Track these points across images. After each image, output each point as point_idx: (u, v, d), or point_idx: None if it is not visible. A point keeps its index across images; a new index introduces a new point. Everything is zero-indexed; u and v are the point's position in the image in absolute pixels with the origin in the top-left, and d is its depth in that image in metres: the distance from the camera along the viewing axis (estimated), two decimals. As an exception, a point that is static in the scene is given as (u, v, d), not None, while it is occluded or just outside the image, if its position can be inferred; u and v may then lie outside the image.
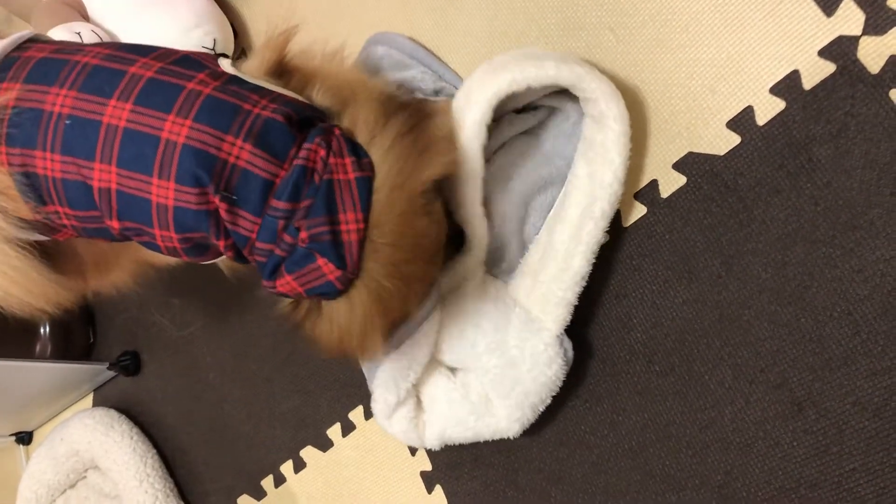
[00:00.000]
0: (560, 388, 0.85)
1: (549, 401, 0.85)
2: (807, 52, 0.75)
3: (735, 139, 0.79)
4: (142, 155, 0.67)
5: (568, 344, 0.85)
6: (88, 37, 1.12)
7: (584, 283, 0.82)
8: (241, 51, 1.27)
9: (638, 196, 0.85)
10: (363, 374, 0.99)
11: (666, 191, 0.84)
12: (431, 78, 0.95)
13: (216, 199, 0.67)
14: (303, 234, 0.68)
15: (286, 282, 0.71)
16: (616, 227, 0.87)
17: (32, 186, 0.71)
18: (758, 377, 0.78)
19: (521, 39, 0.94)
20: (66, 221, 0.73)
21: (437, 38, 1.02)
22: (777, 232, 0.77)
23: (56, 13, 1.15)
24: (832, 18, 0.74)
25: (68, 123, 0.68)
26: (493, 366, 0.85)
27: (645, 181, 0.85)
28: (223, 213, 0.68)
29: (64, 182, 0.70)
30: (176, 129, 0.67)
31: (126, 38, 1.17)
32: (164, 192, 0.67)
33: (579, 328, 0.89)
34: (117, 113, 0.68)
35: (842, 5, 0.73)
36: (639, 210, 0.85)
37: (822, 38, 0.74)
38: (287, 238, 0.69)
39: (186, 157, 0.66)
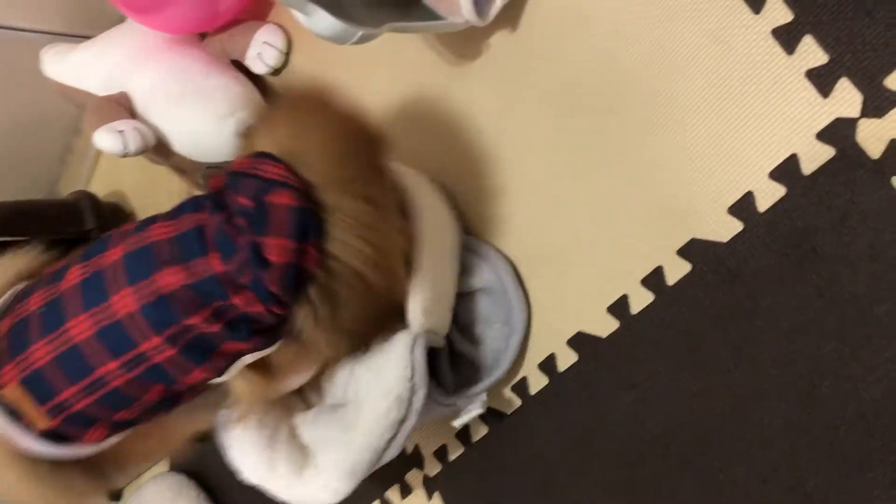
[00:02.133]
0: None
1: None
2: (805, 136, 0.71)
3: (737, 225, 0.75)
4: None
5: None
6: (131, 134, 1.19)
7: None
8: (278, 130, 1.31)
9: (645, 282, 0.83)
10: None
11: (672, 278, 0.81)
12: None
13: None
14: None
15: None
16: (625, 314, 0.84)
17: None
18: (771, 477, 0.74)
19: (525, 116, 0.92)
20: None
21: (445, 111, 1.02)
22: (785, 324, 0.73)
23: (104, 113, 1.23)
24: (829, 100, 0.69)
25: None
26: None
27: (650, 267, 0.82)
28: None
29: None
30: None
31: (168, 128, 1.24)
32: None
33: (591, 417, 0.87)
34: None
35: (838, 86, 0.69)
36: (646, 297, 0.83)
37: (820, 121, 0.70)
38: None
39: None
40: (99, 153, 1.91)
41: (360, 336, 0.82)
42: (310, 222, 0.73)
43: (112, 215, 1.68)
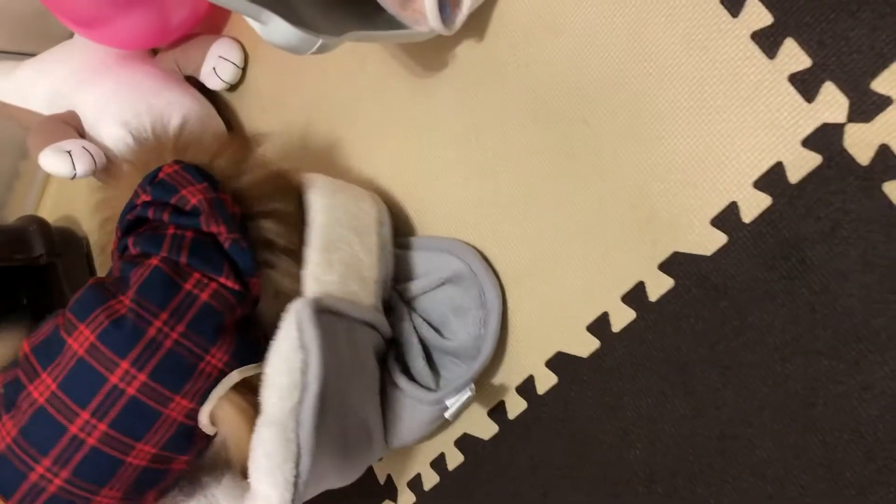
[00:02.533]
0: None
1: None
2: (790, 143, 0.68)
3: (721, 238, 0.72)
4: None
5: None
6: (79, 154, 1.12)
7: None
8: (236, 148, 1.26)
9: (625, 299, 0.79)
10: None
11: (654, 294, 0.77)
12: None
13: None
14: None
15: None
16: (606, 333, 0.80)
17: None
18: (766, 504, 0.70)
19: (495, 128, 0.88)
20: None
21: (413, 123, 0.98)
22: (774, 341, 0.69)
23: (49, 132, 1.16)
24: (814, 104, 0.66)
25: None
26: None
27: (631, 283, 0.78)
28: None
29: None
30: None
31: (119, 147, 1.17)
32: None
33: (575, 440, 0.83)
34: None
35: (822, 90, 0.65)
36: (627, 314, 0.79)
37: (805, 127, 0.67)
38: None
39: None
40: (48, 176, 1.83)
41: None
42: (198, 168, 0.80)
43: (63, 241, 1.60)
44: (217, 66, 1.22)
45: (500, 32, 0.88)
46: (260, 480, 0.71)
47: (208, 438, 0.74)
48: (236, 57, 1.22)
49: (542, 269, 0.85)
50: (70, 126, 1.19)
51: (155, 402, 0.68)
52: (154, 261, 0.74)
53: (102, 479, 0.67)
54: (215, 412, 0.72)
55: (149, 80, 1.22)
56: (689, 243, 0.74)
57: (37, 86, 1.28)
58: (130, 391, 0.67)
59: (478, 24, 0.89)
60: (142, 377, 0.67)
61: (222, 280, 0.75)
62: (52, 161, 1.10)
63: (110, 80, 1.22)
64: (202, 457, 0.77)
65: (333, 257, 0.82)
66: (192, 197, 0.76)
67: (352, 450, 0.79)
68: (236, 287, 0.75)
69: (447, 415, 0.82)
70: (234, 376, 0.72)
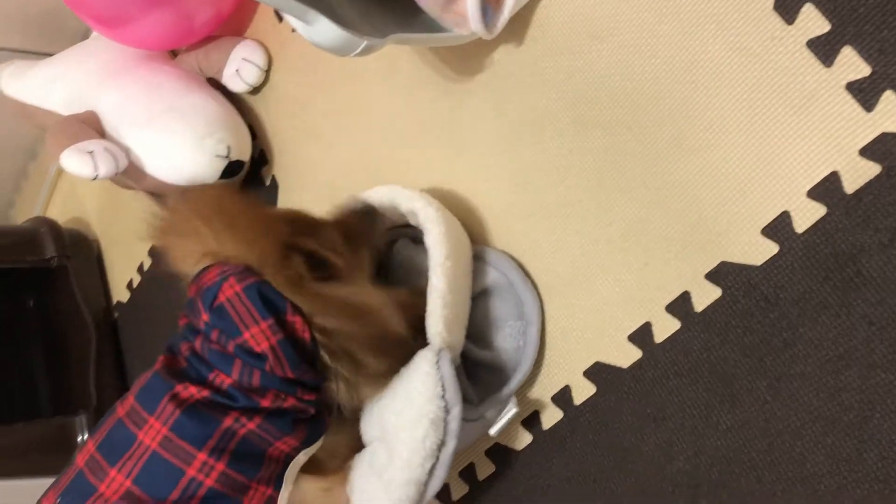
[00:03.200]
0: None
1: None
2: (846, 152, 0.67)
3: (772, 248, 0.71)
4: None
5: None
6: (101, 155, 1.10)
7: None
8: (259, 151, 1.25)
9: (670, 309, 0.77)
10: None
11: (700, 304, 0.76)
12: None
13: None
14: None
15: None
16: (648, 343, 0.79)
17: None
18: (818, 519, 0.69)
19: (533, 138, 0.87)
20: None
21: (448, 129, 0.97)
22: (827, 353, 0.68)
23: (70, 132, 1.14)
24: (873, 113, 0.65)
25: None
26: None
27: (676, 293, 0.77)
28: None
29: None
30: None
31: (141, 150, 1.16)
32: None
33: (614, 452, 0.82)
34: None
35: (883, 99, 0.65)
36: (672, 324, 0.78)
37: (864, 136, 0.66)
38: None
39: None
40: (57, 177, 1.82)
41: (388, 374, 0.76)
42: (266, 292, 0.69)
43: (73, 243, 1.59)
44: (240, 69, 1.21)
45: (539, 37, 0.87)
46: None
47: None
48: (260, 59, 1.21)
49: (581, 279, 0.84)
50: (90, 126, 1.17)
51: (233, 491, 0.67)
52: (225, 381, 0.69)
53: None
54: (293, 496, 0.71)
55: (171, 81, 1.20)
56: (738, 253, 0.73)
57: (55, 86, 1.27)
58: (209, 482, 0.66)
59: (517, 28, 0.88)
60: (220, 467, 0.66)
61: (299, 396, 0.71)
62: (75, 161, 1.09)
63: (131, 80, 1.20)
64: None
65: (458, 305, 0.80)
66: (257, 345, 0.68)
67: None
68: (312, 398, 0.73)
69: (492, 432, 0.81)
70: (301, 458, 0.72)
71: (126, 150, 1.15)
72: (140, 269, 1.55)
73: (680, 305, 0.77)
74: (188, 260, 0.75)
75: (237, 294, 0.69)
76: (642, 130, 0.79)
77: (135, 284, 1.57)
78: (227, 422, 0.67)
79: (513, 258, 0.89)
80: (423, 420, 0.71)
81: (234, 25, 1.26)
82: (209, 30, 1.23)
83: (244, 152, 1.18)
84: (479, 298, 0.89)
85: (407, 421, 0.72)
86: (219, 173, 1.14)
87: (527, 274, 0.88)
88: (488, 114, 0.92)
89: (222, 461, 0.66)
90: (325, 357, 0.71)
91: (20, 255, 1.54)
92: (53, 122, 1.22)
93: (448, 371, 0.73)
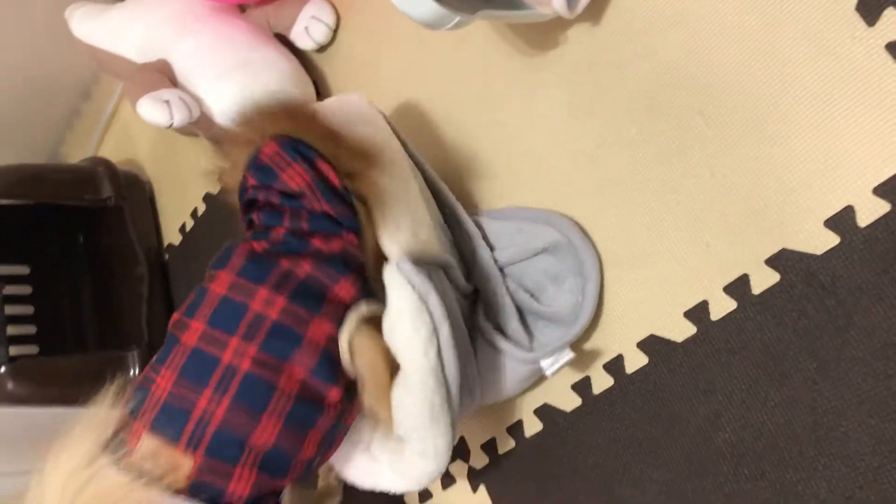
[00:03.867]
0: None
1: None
2: (916, 153, 0.70)
3: (833, 239, 0.75)
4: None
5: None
6: (177, 104, 1.15)
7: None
8: (322, 108, 1.28)
9: (728, 290, 0.82)
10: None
11: (758, 287, 0.80)
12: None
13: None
14: None
15: None
16: (704, 320, 0.84)
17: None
18: (856, 494, 0.74)
19: (604, 117, 0.91)
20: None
21: (519, 112, 1.00)
22: (880, 341, 0.72)
23: (146, 80, 1.19)
24: (945, 119, 0.68)
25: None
26: None
27: (735, 275, 0.81)
28: None
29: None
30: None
31: (212, 101, 1.20)
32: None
33: (661, 420, 0.87)
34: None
35: (956, 105, 0.68)
36: (728, 304, 0.82)
37: (934, 139, 0.69)
38: None
39: None
40: (111, 118, 1.86)
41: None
42: (298, 145, 0.81)
43: (127, 184, 1.64)
44: (309, 27, 1.24)
45: (615, 19, 0.90)
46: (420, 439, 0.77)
47: (352, 381, 0.79)
48: (329, 18, 1.24)
49: (640, 255, 0.88)
50: (164, 75, 1.21)
51: (296, 325, 0.73)
52: (280, 231, 0.79)
53: (260, 404, 0.71)
54: (353, 341, 0.77)
55: (243, 35, 1.24)
56: (799, 241, 0.77)
57: (129, 32, 1.30)
58: (273, 315, 0.73)
59: (593, 8, 0.90)
60: (281, 301, 0.73)
61: (344, 237, 0.79)
62: (151, 109, 1.13)
63: (205, 32, 1.24)
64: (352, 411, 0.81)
65: (397, 212, 0.87)
66: (292, 181, 0.79)
67: (463, 399, 0.83)
68: (355, 241, 0.80)
69: (548, 371, 0.86)
70: (364, 307, 0.78)
71: (198, 100, 1.19)
72: (194, 213, 1.60)
73: (738, 287, 0.81)
74: (243, 150, 0.84)
75: (275, 151, 0.80)
76: (713, 116, 0.82)
77: (187, 228, 1.62)
78: (285, 264, 0.76)
79: (573, 220, 0.93)
80: (404, 316, 0.77)
81: (303, -17, 1.29)
82: (280, -14, 1.26)
83: (311, 110, 1.21)
84: (540, 256, 0.93)
85: (392, 325, 0.79)
86: (286, 129, 1.18)
87: (587, 236, 0.92)
88: (560, 89, 0.95)
89: (283, 295, 0.73)
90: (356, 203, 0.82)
91: (78, 193, 1.59)
92: (127, 68, 1.26)
93: (408, 268, 0.79)
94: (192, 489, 0.69)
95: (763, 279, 0.80)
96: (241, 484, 0.71)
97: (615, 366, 0.91)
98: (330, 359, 0.75)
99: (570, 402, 0.95)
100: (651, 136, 0.87)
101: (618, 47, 0.90)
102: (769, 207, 0.79)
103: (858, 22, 0.73)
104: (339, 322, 0.77)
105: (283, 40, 1.30)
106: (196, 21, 1.26)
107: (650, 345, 0.88)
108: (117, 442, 0.70)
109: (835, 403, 0.75)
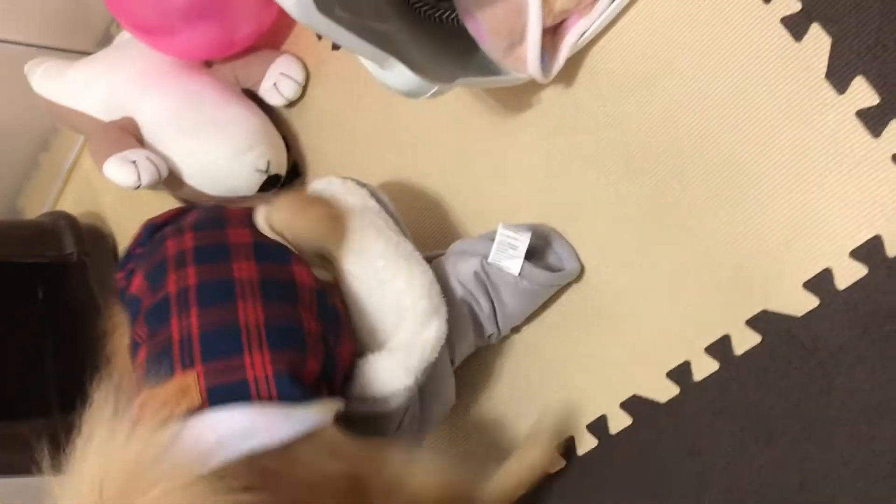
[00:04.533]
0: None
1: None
2: (891, 218, 0.72)
3: (813, 301, 0.76)
4: None
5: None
6: (144, 164, 1.13)
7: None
8: (292, 164, 1.27)
9: (709, 350, 0.82)
10: None
11: (739, 348, 0.80)
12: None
13: None
14: None
15: None
16: (687, 381, 0.84)
17: None
18: (845, 556, 0.74)
19: (579, 176, 0.92)
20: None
21: (493, 171, 1.00)
22: (863, 403, 0.73)
23: (112, 140, 1.16)
24: (917, 185, 0.70)
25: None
26: None
27: (716, 335, 0.82)
28: None
29: None
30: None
31: (180, 160, 1.18)
32: None
33: (647, 481, 0.87)
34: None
35: (927, 172, 0.69)
36: (710, 365, 0.83)
37: (907, 205, 0.71)
38: None
39: None
40: (72, 170, 1.82)
41: None
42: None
43: (91, 239, 1.60)
44: (278, 83, 1.23)
45: (589, 82, 0.91)
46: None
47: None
48: (298, 74, 1.23)
49: (621, 315, 0.89)
50: (130, 134, 1.19)
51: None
52: None
53: (226, 295, 0.74)
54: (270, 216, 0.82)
55: (210, 92, 1.22)
56: (780, 303, 0.78)
57: (92, 89, 1.28)
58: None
59: (567, 71, 0.91)
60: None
61: None
62: (118, 171, 1.11)
63: (172, 89, 1.22)
64: None
65: None
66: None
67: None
68: None
69: (501, 233, 0.87)
70: None
71: (165, 159, 1.17)
72: (159, 268, 1.56)
73: (719, 348, 0.82)
74: None
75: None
76: (689, 179, 0.83)
77: (153, 283, 1.59)
78: None
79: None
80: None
81: (272, 39, 1.29)
82: (248, 43, 1.25)
83: (282, 166, 1.20)
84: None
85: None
86: (257, 187, 1.17)
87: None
88: (536, 150, 0.96)
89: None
90: None
91: (39, 250, 1.54)
92: (93, 127, 1.24)
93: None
94: (211, 399, 0.66)
95: (745, 340, 0.80)
96: (258, 369, 0.69)
97: (599, 426, 0.91)
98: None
99: (556, 464, 0.95)
100: (628, 198, 0.88)
101: (592, 111, 0.90)
102: (748, 269, 0.80)
103: (829, 90, 0.75)
104: None
105: (252, 96, 1.29)
106: (162, 78, 1.24)
107: (634, 405, 0.88)
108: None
109: (821, 465, 0.76)
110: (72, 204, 1.83)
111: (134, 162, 1.12)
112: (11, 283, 1.61)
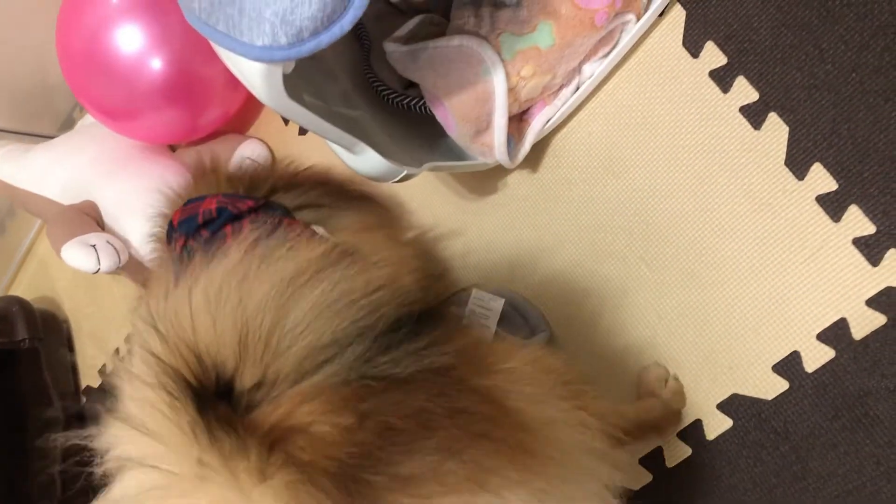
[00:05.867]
0: None
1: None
2: (854, 301, 0.73)
3: (783, 384, 0.76)
4: None
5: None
6: (104, 248, 1.10)
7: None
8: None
9: (682, 436, 0.81)
10: None
11: (711, 433, 0.80)
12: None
13: None
14: None
15: None
16: (659, 466, 0.82)
17: None
18: None
19: (548, 258, 0.92)
20: None
21: (462, 248, 1.00)
22: (836, 489, 0.73)
23: (71, 223, 1.14)
24: (878, 268, 0.71)
25: None
26: None
27: (687, 420, 0.81)
28: None
29: None
30: None
31: (141, 244, 1.16)
32: None
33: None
34: None
35: (887, 255, 0.71)
36: (683, 450, 0.81)
37: (870, 288, 0.72)
38: None
39: None
40: (27, 254, 1.78)
41: None
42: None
43: (44, 324, 1.55)
44: (244, 167, 1.22)
45: (554, 166, 0.92)
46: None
47: None
48: (264, 158, 1.23)
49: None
50: (90, 217, 1.17)
51: None
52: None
53: None
54: None
55: (174, 176, 1.21)
56: (750, 387, 0.78)
57: (53, 173, 1.26)
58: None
59: (532, 155, 0.93)
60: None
61: None
62: (77, 255, 1.08)
63: (133, 173, 1.21)
64: None
65: None
66: (210, 206, 0.80)
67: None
68: None
69: None
70: None
71: (126, 243, 1.15)
72: (117, 353, 1.52)
73: (691, 433, 0.81)
74: None
75: (179, 211, 0.84)
76: (655, 263, 0.84)
77: (108, 370, 1.54)
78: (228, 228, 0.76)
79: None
80: None
81: (236, 124, 1.29)
82: (213, 128, 1.25)
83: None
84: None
85: None
86: (220, 270, 1.15)
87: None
88: (503, 233, 0.96)
89: None
90: None
91: (-10, 336, 1.49)
92: (50, 209, 1.22)
93: None
94: None
95: (716, 424, 0.80)
96: None
97: None
98: None
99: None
100: (596, 277, 0.88)
101: (557, 194, 0.92)
102: (717, 352, 0.80)
103: (789, 176, 0.77)
104: None
105: (216, 179, 1.28)
106: (126, 161, 1.23)
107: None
108: None
109: (798, 553, 0.74)
110: (26, 288, 1.79)
111: (93, 245, 1.10)
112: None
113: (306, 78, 0.80)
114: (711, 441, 0.80)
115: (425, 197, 1.04)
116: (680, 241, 0.82)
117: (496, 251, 0.97)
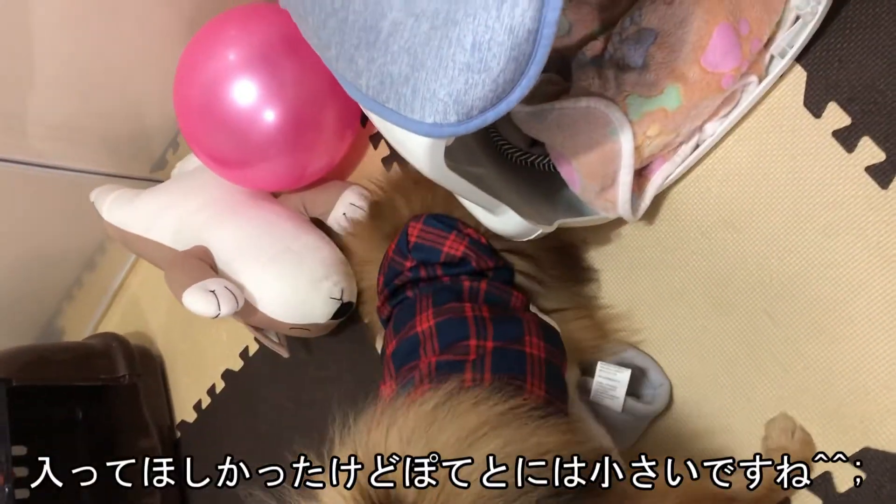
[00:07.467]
0: None
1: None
2: None
3: (918, 440, 0.77)
4: None
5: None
6: (223, 294, 1.15)
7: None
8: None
9: (811, 488, 0.83)
10: None
11: (842, 485, 0.81)
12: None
13: None
14: None
15: None
16: (788, 518, 0.84)
17: None
18: None
19: (666, 311, 0.94)
20: None
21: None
22: (978, 545, 0.74)
23: (189, 269, 1.19)
24: None
25: None
26: None
27: (816, 472, 0.83)
28: None
29: None
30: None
31: (255, 289, 1.20)
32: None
33: None
34: None
35: None
36: (812, 501, 0.83)
37: None
38: None
39: None
40: (119, 290, 1.84)
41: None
42: (439, 216, 0.92)
43: (141, 360, 1.60)
44: (348, 212, 1.27)
45: (671, 219, 0.95)
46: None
47: None
48: (366, 205, 1.27)
49: (716, 448, 0.90)
50: (206, 263, 1.22)
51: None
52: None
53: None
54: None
55: (283, 221, 1.26)
56: (883, 440, 0.79)
57: (163, 217, 1.32)
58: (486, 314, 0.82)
59: (651, 211, 0.95)
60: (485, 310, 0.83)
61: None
62: (198, 300, 1.13)
63: (246, 218, 1.26)
64: None
65: None
66: (456, 250, 0.88)
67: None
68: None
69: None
70: None
71: (241, 287, 1.19)
72: (211, 390, 1.56)
73: (821, 485, 0.82)
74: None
75: (421, 228, 0.90)
76: (780, 317, 0.86)
77: (204, 405, 1.58)
78: (466, 284, 0.86)
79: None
80: None
81: (338, 171, 1.34)
82: (318, 175, 1.30)
83: (353, 294, 1.23)
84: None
85: None
86: (331, 315, 1.19)
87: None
88: (615, 285, 0.99)
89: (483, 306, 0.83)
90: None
91: (95, 373, 1.55)
92: (165, 255, 1.27)
93: None
94: None
95: (847, 477, 0.81)
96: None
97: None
98: None
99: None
100: (718, 333, 0.90)
101: (676, 247, 0.94)
102: (846, 406, 0.81)
103: (919, 234, 0.78)
104: None
105: (318, 223, 1.33)
106: (236, 207, 1.28)
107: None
108: None
109: None
110: (117, 324, 1.85)
111: (213, 291, 1.14)
112: (52, 404, 1.60)
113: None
114: (842, 494, 0.81)
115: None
116: (804, 295, 0.84)
117: (611, 303, 0.99)
